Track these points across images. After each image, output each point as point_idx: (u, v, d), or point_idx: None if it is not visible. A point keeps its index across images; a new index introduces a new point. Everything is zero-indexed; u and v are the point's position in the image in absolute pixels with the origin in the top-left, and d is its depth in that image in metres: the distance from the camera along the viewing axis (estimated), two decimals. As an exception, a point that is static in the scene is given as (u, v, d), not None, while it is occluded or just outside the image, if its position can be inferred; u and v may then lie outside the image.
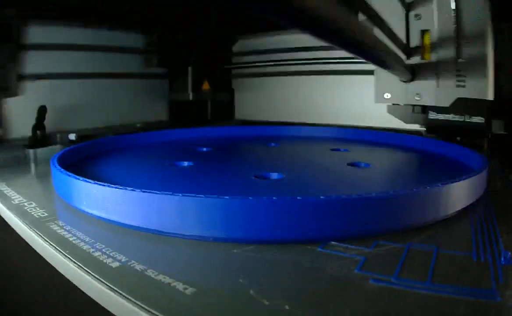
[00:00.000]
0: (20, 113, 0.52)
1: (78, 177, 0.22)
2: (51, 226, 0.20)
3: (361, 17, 0.31)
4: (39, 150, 0.45)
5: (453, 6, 0.38)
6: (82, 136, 0.50)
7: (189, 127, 0.53)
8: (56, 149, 0.44)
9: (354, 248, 0.18)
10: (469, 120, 0.40)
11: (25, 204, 0.24)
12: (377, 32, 0.32)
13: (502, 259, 0.18)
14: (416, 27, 0.42)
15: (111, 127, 0.59)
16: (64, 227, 0.20)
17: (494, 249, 0.19)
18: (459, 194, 0.23)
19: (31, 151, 0.45)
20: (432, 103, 0.42)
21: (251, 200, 0.18)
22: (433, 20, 0.40)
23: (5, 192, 0.28)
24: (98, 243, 0.18)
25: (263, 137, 0.51)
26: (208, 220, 0.18)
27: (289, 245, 0.18)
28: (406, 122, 0.47)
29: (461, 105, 0.40)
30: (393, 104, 0.46)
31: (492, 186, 0.31)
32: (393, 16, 0.41)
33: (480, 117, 0.40)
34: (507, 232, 0.21)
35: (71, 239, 0.19)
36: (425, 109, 0.44)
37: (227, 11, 0.66)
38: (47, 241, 0.19)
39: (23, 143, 0.46)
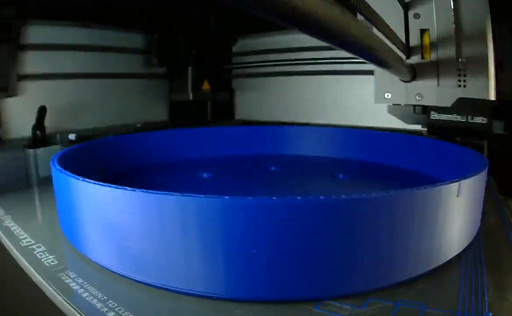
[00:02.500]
0: (20, 113, 0.52)
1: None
2: (63, 278, 0.21)
3: (360, 17, 0.31)
4: (39, 152, 0.45)
5: (452, 5, 0.38)
6: (82, 137, 0.51)
7: (188, 127, 0.52)
8: (56, 149, 0.44)
9: (348, 308, 0.20)
10: (471, 120, 0.40)
11: (34, 247, 0.25)
12: (376, 32, 0.31)
13: (484, 319, 0.19)
14: (415, 26, 0.41)
15: (111, 127, 0.59)
16: (76, 279, 0.21)
17: (478, 306, 0.20)
18: (452, 245, 0.24)
19: (31, 152, 0.45)
20: (433, 104, 0.42)
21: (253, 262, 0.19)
22: (433, 19, 0.40)
23: (11, 228, 0.28)
24: (110, 301, 0.19)
25: (264, 156, 0.50)
26: (211, 279, 0.20)
27: (287, 304, 0.20)
28: (407, 122, 0.47)
29: (463, 105, 0.40)
30: (394, 104, 0.46)
31: (486, 220, 0.31)
32: (392, 15, 0.41)
33: (482, 118, 0.39)
34: (494, 284, 0.22)
35: (84, 295, 0.20)
36: (425, 109, 0.44)
37: (228, 11, 0.65)
38: (60, 295, 0.20)
39: (23, 144, 0.47)
